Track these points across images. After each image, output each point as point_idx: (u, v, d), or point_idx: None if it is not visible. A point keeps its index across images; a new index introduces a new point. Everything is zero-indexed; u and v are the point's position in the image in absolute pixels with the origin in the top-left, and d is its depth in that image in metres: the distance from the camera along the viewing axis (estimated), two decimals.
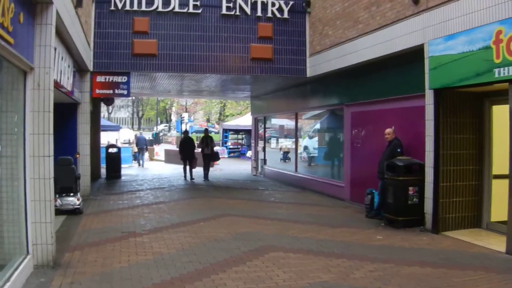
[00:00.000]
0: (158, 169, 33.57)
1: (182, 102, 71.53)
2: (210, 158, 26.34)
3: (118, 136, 45.81)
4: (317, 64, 19.26)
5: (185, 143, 26.41)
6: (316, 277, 8.69)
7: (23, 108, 8.61)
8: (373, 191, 14.97)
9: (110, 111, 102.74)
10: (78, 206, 14.45)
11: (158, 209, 15.87)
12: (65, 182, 14.36)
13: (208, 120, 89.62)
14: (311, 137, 23.92)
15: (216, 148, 43.85)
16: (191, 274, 8.72)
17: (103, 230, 12.42)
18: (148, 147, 45.04)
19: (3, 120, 8.13)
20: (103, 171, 26.62)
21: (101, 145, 27.95)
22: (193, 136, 57.72)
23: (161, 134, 79.28)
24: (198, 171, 25.75)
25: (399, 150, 13.89)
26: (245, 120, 44.67)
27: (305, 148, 23.99)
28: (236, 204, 17.26)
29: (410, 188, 13.04)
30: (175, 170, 31.41)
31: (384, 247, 11.03)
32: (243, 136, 48.37)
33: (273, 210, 16.09)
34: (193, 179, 25.13)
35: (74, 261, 9.44)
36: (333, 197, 18.77)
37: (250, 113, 35.65)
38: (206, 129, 28.41)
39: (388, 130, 14.21)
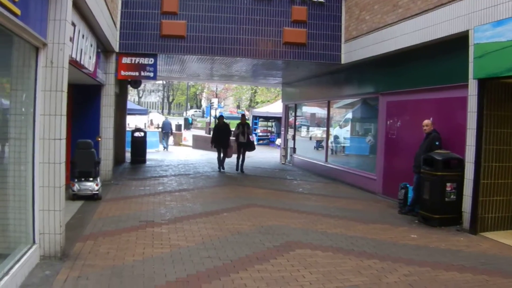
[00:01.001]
0: (185, 155, 33.04)
1: (213, 88, 70.85)
2: (246, 147, 23.45)
3: (148, 120, 45.67)
4: (353, 51, 18.45)
5: (220, 129, 23.60)
6: (345, 280, 7.94)
7: (34, 87, 7.96)
8: (407, 185, 14.28)
9: (140, 95, 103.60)
10: (97, 192, 13.84)
11: (180, 197, 15.22)
12: (84, 166, 13.85)
13: (238, 107, 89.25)
14: (341, 127, 23.22)
15: None
16: (209, 272, 8.01)
17: (120, 218, 11.79)
18: (176, 132, 44.94)
19: (12, 100, 7.58)
20: (128, 155, 26.13)
21: (128, 129, 27.54)
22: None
23: (194, 119, 78.62)
24: (230, 161, 24.48)
25: (437, 143, 13.05)
26: (276, 107, 44.12)
27: (335, 137, 23.24)
28: (263, 194, 16.57)
29: (448, 184, 12.22)
30: (202, 156, 31.10)
31: (419, 247, 10.24)
32: (273, 123, 47.72)
33: (301, 202, 15.33)
34: (224, 169, 23.25)
35: (84, 252, 8.79)
36: (364, 189, 18.05)
37: (280, 100, 35.07)
38: (243, 115, 25.18)
39: (426, 122, 13.39)
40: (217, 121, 24.95)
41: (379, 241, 10.59)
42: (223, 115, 28.63)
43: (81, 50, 11.74)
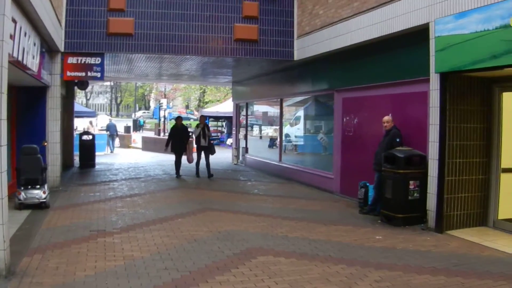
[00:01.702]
0: (135, 157, 32.33)
1: (161, 88, 70.11)
2: (207, 150, 21.42)
3: (96, 123, 44.93)
4: (306, 47, 17.99)
5: (178, 132, 21.48)
6: None
7: None
8: (367, 184, 13.95)
9: (88, 97, 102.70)
10: (44, 200, 13.07)
11: (132, 203, 14.56)
12: (30, 173, 13.04)
13: (187, 107, 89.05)
14: (292, 125, 22.88)
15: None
16: (167, 286, 7.37)
17: (69, 228, 11.05)
18: (126, 134, 44.45)
19: None
20: (77, 159, 25.28)
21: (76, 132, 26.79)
22: (172, 123, 56.83)
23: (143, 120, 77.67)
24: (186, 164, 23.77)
25: (398, 140, 12.65)
26: (225, 107, 43.67)
27: (289, 136, 22.79)
28: (217, 197, 16.05)
29: (411, 182, 11.85)
30: (152, 159, 30.47)
31: (386, 249, 9.80)
32: (223, 123, 47.21)
33: (257, 204, 14.82)
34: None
35: (32, 268, 8.05)
36: (321, 189, 17.62)
37: (230, 100, 34.65)
38: (203, 116, 24.26)
39: (386, 118, 13.00)
40: (174, 122, 23.05)
41: (344, 244, 10.12)
42: (181, 116, 25.89)
43: (23, 49, 10.97)
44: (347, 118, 16.17)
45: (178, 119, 22.38)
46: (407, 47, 13.07)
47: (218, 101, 59.94)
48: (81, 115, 34.16)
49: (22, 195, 12.85)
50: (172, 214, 12.78)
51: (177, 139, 21.26)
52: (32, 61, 12.36)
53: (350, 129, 16.01)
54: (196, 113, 79.67)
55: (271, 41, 18.53)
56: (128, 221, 11.96)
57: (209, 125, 45.60)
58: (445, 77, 11.11)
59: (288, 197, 16.34)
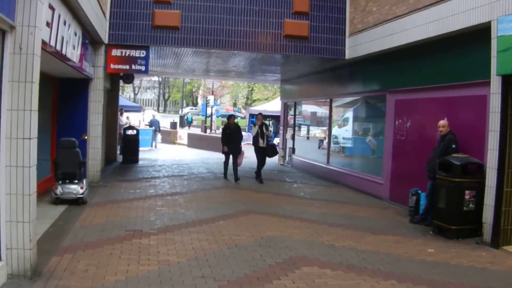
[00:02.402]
0: (179, 154, 31.95)
1: (209, 85, 69.91)
2: (266, 153, 19.77)
3: (142, 118, 44.91)
4: (358, 45, 17.29)
5: (231, 131, 19.86)
6: None
7: (0, 77, 6.75)
8: (419, 191, 13.23)
9: (136, 92, 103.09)
10: (82, 196, 12.68)
11: (173, 202, 14.07)
12: (67, 167, 12.68)
13: (234, 104, 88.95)
14: (340, 126, 22.19)
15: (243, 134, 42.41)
16: None
17: (105, 226, 10.61)
18: (171, 130, 44.38)
19: None
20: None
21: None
22: (219, 120, 56.40)
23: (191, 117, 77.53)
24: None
25: (454, 146, 11.87)
26: (273, 106, 43.16)
27: (334, 137, 22.09)
28: (262, 199, 15.46)
29: (467, 192, 11.05)
30: (197, 156, 30.17)
31: (439, 264, 9.09)
32: (271, 122, 46.57)
33: (303, 208, 14.16)
34: (239, 179, 19.17)
35: (60, 269, 7.59)
36: (370, 194, 16.89)
37: (278, 98, 34.02)
38: (260, 114, 21.33)
39: (442, 122, 12.22)
40: (226, 121, 21.25)
41: (393, 257, 9.44)
42: (235, 114, 24.62)
43: (63, 38, 10.53)
44: (400, 121, 15.42)
45: (231, 117, 20.71)
46: (465, 48, 12.29)
47: (266, 99, 59.45)
48: (127, 109, 33.93)
49: (59, 190, 12.50)
50: (214, 216, 12.27)
51: (230, 139, 19.68)
52: (73, 52, 11.94)
53: (402, 133, 15.26)
54: (243, 111, 79.41)
55: (322, 38, 17.88)
56: (166, 221, 11.48)
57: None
58: (508, 80, 10.29)
59: (335, 201, 15.69)
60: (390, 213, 14.07)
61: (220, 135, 22.54)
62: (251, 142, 20.05)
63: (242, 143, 20.34)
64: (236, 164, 19.39)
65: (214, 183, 18.48)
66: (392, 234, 11.36)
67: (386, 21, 15.40)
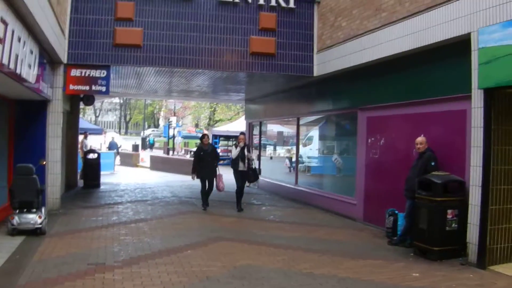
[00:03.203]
0: (142, 177, 31.09)
1: (171, 106, 69.28)
2: (247, 177, 17.85)
3: (104, 140, 44.30)
4: (327, 61, 16.76)
5: (204, 153, 17.79)
6: None
7: None
8: (396, 211, 12.70)
9: (97, 114, 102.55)
10: (40, 226, 11.79)
11: (137, 230, 13.27)
12: (24, 195, 11.82)
13: (196, 125, 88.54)
14: (304, 145, 21.88)
15: None
16: None
17: (65, 259, 9.74)
18: (133, 152, 44.15)
19: None
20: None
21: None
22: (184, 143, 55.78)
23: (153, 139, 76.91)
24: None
25: (433, 163, 11.37)
26: (237, 126, 42.57)
27: (305, 157, 21.56)
28: (230, 224, 14.79)
29: (449, 211, 10.58)
30: (160, 179, 29.35)
31: None
32: (234, 143, 45.93)
33: (275, 233, 13.48)
34: (207, 205, 17.67)
35: None
36: (342, 215, 16.32)
37: (241, 119, 33.57)
38: (243, 133, 18.82)
39: (420, 139, 11.70)
40: (199, 141, 19.03)
41: (377, 284, 8.83)
42: (207, 134, 21.43)
43: (17, 56, 9.71)
44: (372, 138, 14.90)
45: (204, 137, 18.45)
46: (443, 61, 11.81)
47: (229, 120, 58.96)
48: (88, 131, 33.17)
49: (16, 220, 11.61)
50: (181, 244, 11.49)
51: (205, 162, 17.58)
52: (29, 71, 11.13)
53: (375, 151, 14.73)
54: (205, 131, 78.79)
55: (289, 55, 17.34)
56: (131, 252, 10.67)
57: (220, 144, 44.55)
58: (490, 94, 9.85)
59: (307, 224, 15.03)
60: (366, 235, 13.46)
61: (185, 158, 21.42)
62: (230, 165, 18.25)
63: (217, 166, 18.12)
64: (211, 190, 17.75)
65: (179, 208, 17.70)
66: (372, 258, 10.76)
67: (356, 36, 14.96)
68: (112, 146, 36.91)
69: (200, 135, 65.64)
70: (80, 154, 25.65)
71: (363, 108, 15.35)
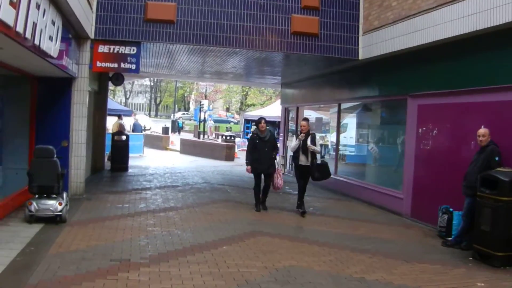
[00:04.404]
0: (172, 161, 30.05)
1: (202, 89, 68.47)
2: (310, 174, 14.22)
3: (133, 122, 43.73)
4: (374, 44, 15.56)
5: (261, 141, 14.32)
6: None
7: None
8: (450, 209, 11.50)
9: (127, 96, 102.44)
10: (60, 213, 10.78)
11: (166, 220, 12.20)
12: (43, 179, 10.80)
13: (227, 110, 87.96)
14: (340, 132, 20.47)
15: (237, 140, 40.43)
16: None
17: (85, 254, 8.71)
18: (164, 135, 44.94)
19: None
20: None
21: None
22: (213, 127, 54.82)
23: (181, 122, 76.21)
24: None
25: (497, 159, 10.18)
26: (270, 111, 41.47)
27: (333, 144, 20.74)
28: (267, 216, 13.62)
29: None
30: (191, 163, 28.41)
31: None
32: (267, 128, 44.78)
33: (317, 228, 12.33)
34: (266, 209, 14.41)
35: None
36: (386, 209, 15.21)
37: (275, 104, 32.44)
38: (306, 119, 14.95)
39: (482, 131, 10.47)
40: (254, 127, 15.86)
41: None
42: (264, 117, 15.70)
43: (35, 24, 8.63)
44: (424, 128, 13.68)
45: (261, 122, 14.70)
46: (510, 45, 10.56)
47: (261, 104, 57.94)
48: (116, 113, 32.30)
49: (34, 206, 10.62)
50: (215, 239, 10.43)
51: (261, 153, 14.26)
52: (50, 44, 10.10)
53: (427, 142, 13.51)
54: (236, 116, 78.20)
55: (333, 36, 16.15)
56: (160, 246, 9.61)
57: (252, 130, 43.37)
58: None
59: (350, 219, 13.88)
60: (415, 234, 12.31)
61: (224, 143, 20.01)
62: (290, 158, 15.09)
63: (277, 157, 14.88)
64: (267, 187, 14.53)
65: (212, 196, 16.57)
66: (428, 262, 9.61)
67: (408, 16, 13.72)
68: (136, 128, 35.55)
69: (231, 119, 64.21)
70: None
71: (414, 95, 14.17)
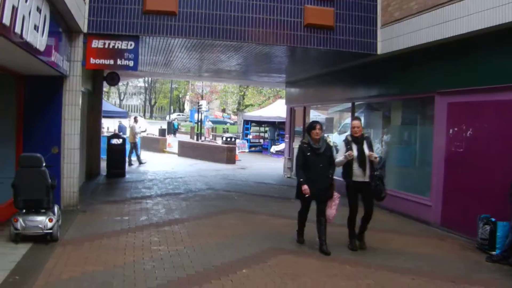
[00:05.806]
0: (171, 165, 28.78)
1: (198, 90, 67.60)
2: (377, 192, 10.52)
3: (129, 124, 42.78)
4: (394, 37, 14.37)
5: (315, 152, 10.21)
6: None
7: None
8: (492, 219, 10.25)
9: (121, 97, 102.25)
10: (50, 231, 9.47)
11: (173, 235, 10.83)
12: (31, 192, 9.55)
13: (223, 110, 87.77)
14: (340, 133, 19.96)
15: (237, 142, 39.20)
16: None
17: (79, 284, 7.34)
18: (160, 137, 44.05)
19: None
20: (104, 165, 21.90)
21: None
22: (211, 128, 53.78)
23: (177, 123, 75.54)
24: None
25: None
26: (269, 111, 40.57)
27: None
28: (285, 227, 12.17)
29: None
30: (191, 167, 27.23)
31: None
32: (267, 129, 43.56)
33: (341, 242, 10.87)
34: (328, 253, 9.95)
35: None
36: (411, 217, 13.91)
37: (274, 104, 31.45)
38: (358, 119, 11.14)
39: None
40: (306, 134, 10.66)
41: None
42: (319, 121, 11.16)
43: (14, 8, 7.18)
44: (455, 128, 12.43)
45: (315, 127, 10.26)
46: None
47: (259, 105, 56.94)
48: (111, 115, 31.14)
49: (20, 223, 9.34)
50: (232, 260, 9.06)
51: (314, 169, 10.17)
52: (36, 35, 8.75)
53: (460, 144, 12.25)
54: (233, 117, 77.47)
55: (350, 29, 14.99)
56: (168, 271, 8.23)
57: (251, 130, 42.28)
58: None
59: (376, 230, 12.01)
60: (451, 246, 11.01)
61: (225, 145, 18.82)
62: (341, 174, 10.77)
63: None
64: (323, 217, 10.29)
65: (219, 205, 15.19)
66: (479, 283, 8.34)
67: (436, 6, 12.54)
68: (121, 130, 33.95)
69: (227, 120, 63.13)
70: (129, 139, 23.91)
71: (442, 92, 12.91)
